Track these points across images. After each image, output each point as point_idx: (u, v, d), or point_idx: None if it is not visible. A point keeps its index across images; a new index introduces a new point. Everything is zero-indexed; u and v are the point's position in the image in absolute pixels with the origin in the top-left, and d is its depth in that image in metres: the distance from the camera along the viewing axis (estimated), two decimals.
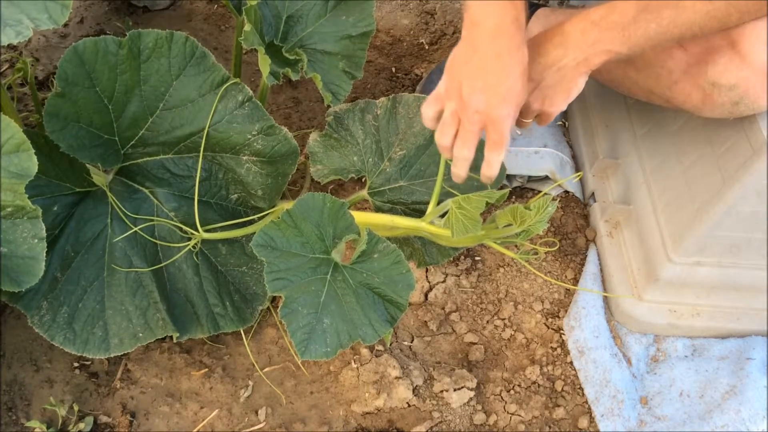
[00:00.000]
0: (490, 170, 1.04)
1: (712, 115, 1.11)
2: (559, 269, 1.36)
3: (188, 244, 1.14)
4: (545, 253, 1.35)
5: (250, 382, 1.22)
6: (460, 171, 1.07)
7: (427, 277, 1.34)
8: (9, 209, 0.97)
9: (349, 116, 1.25)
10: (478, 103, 0.98)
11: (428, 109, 1.07)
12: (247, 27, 1.10)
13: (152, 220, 1.18)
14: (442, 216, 1.11)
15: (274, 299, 1.26)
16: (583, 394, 1.23)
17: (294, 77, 1.15)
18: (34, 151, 0.95)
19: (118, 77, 1.09)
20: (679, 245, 1.19)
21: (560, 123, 1.54)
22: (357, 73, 1.26)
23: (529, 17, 1.45)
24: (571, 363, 1.26)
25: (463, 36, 0.99)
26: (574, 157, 1.49)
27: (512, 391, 1.23)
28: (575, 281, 1.34)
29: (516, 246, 1.08)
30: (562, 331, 1.29)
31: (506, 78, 0.97)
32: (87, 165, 1.15)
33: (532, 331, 1.30)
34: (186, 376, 1.22)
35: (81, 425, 1.14)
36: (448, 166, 1.12)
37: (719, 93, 1.05)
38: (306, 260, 1.06)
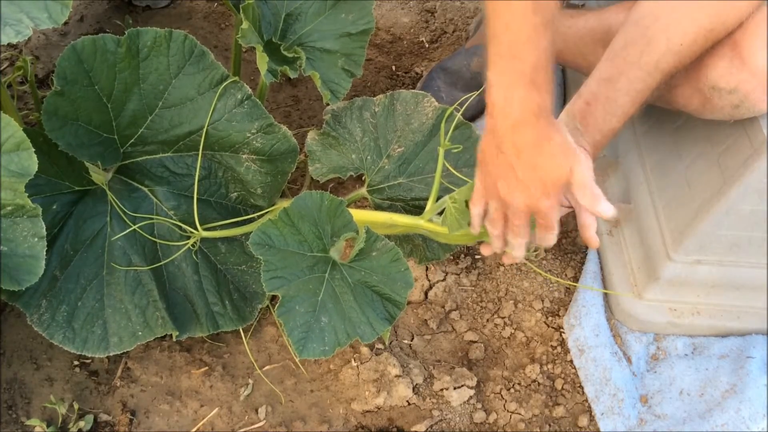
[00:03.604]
0: (543, 244, 1.02)
1: (712, 117, 1.11)
2: (560, 267, 1.36)
3: (187, 243, 1.14)
4: (545, 251, 1.35)
5: (250, 381, 1.22)
6: (517, 254, 1.03)
7: (427, 275, 1.34)
8: (9, 208, 0.97)
9: (347, 114, 1.25)
10: (518, 201, 0.94)
11: (475, 208, 1.02)
12: (245, 25, 1.09)
13: (151, 219, 1.18)
14: (441, 213, 1.11)
15: (273, 297, 1.26)
16: (583, 393, 1.23)
17: (292, 75, 1.15)
18: (34, 149, 0.95)
19: (117, 75, 1.09)
20: (679, 244, 1.19)
21: None
22: (356, 71, 1.26)
23: None
24: (571, 361, 1.25)
25: (487, 122, 0.93)
26: None
27: (512, 390, 1.23)
28: (575, 279, 1.33)
29: None
30: (562, 330, 1.29)
31: (537, 171, 0.91)
32: (86, 163, 1.15)
33: (532, 329, 1.30)
34: (186, 374, 1.22)
35: (81, 423, 1.14)
36: (445, 163, 1.12)
37: (719, 96, 1.04)
38: (304, 259, 1.05)
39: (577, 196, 0.96)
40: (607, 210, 0.95)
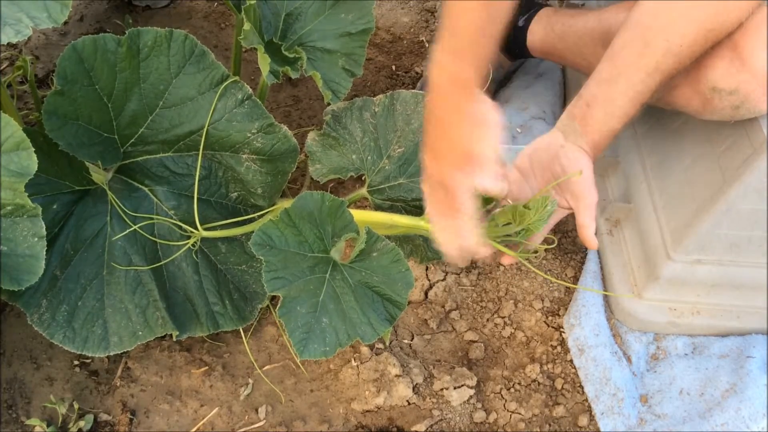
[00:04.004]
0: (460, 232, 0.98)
1: (712, 118, 1.11)
2: (560, 267, 1.36)
3: (188, 243, 1.14)
4: (545, 251, 1.35)
5: (250, 380, 1.22)
6: (466, 242, 0.98)
7: (427, 275, 1.34)
8: (9, 208, 0.97)
9: (347, 115, 1.25)
10: (434, 171, 0.93)
11: (423, 186, 1.01)
12: (247, 26, 1.09)
13: (152, 219, 1.18)
14: None
15: (273, 297, 1.26)
16: (583, 392, 1.23)
17: (294, 75, 1.15)
18: (33, 149, 0.95)
19: (118, 75, 1.09)
20: (679, 243, 1.19)
21: None
22: (357, 70, 1.26)
23: (531, 18, 1.45)
24: (571, 361, 1.25)
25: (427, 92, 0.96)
26: None
27: (512, 389, 1.23)
28: (575, 279, 1.34)
29: (515, 245, 1.08)
30: (562, 329, 1.29)
31: (447, 140, 0.91)
32: (86, 163, 1.15)
33: (532, 329, 1.30)
34: (186, 374, 1.22)
35: (81, 423, 1.14)
36: None
37: (719, 97, 1.04)
38: (304, 259, 1.05)
39: (480, 182, 0.93)
40: (497, 187, 0.93)
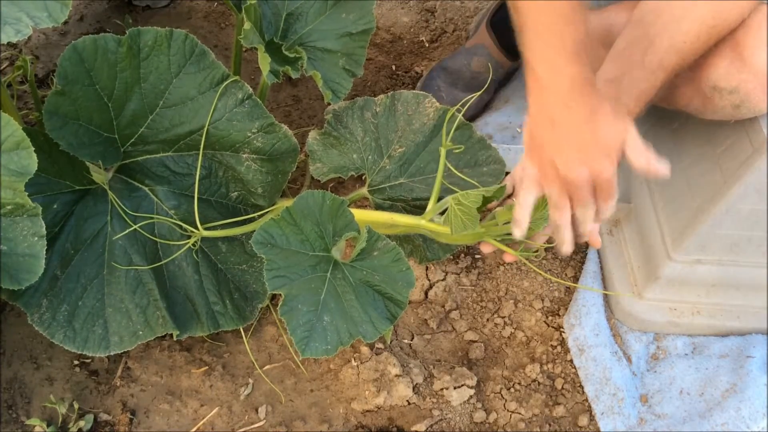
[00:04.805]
0: (600, 217, 1.00)
1: (713, 117, 1.11)
2: (559, 267, 1.36)
3: (188, 242, 1.14)
4: (545, 250, 1.35)
5: (251, 380, 1.22)
6: (586, 229, 1.00)
7: (427, 275, 1.34)
8: (9, 207, 0.97)
9: (348, 114, 1.25)
10: (580, 174, 0.94)
11: (530, 196, 1.00)
12: (247, 25, 1.09)
13: (152, 218, 1.17)
14: (442, 213, 1.11)
15: (273, 297, 1.26)
16: (583, 392, 1.23)
17: (294, 75, 1.15)
18: (33, 149, 0.95)
19: (118, 75, 1.09)
20: (679, 243, 1.19)
21: None
22: (357, 70, 1.26)
23: None
24: (571, 361, 1.26)
25: (532, 101, 0.95)
26: None
27: (512, 389, 1.23)
28: (575, 279, 1.34)
29: (516, 243, 1.08)
30: (562, 329, 1.29)
31: (596, 142, 0.93)
32: (87, 163, 1.14)
33: (532, 329, 1.30)
34: (186, 374, 1.22)
35: (81, 423, 1.14)
36: (447, 164, 1.12)
37: (720, 96, 1.04)
38: (306, 258, 1.06)
39: (633, 159, 0.96)
40: (663, 169, 0.97)
